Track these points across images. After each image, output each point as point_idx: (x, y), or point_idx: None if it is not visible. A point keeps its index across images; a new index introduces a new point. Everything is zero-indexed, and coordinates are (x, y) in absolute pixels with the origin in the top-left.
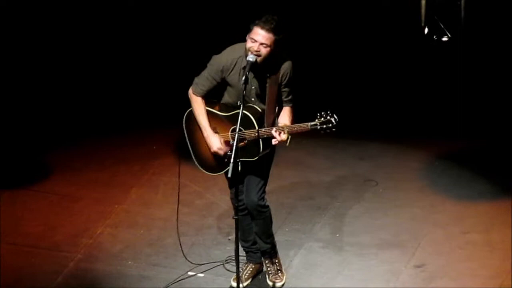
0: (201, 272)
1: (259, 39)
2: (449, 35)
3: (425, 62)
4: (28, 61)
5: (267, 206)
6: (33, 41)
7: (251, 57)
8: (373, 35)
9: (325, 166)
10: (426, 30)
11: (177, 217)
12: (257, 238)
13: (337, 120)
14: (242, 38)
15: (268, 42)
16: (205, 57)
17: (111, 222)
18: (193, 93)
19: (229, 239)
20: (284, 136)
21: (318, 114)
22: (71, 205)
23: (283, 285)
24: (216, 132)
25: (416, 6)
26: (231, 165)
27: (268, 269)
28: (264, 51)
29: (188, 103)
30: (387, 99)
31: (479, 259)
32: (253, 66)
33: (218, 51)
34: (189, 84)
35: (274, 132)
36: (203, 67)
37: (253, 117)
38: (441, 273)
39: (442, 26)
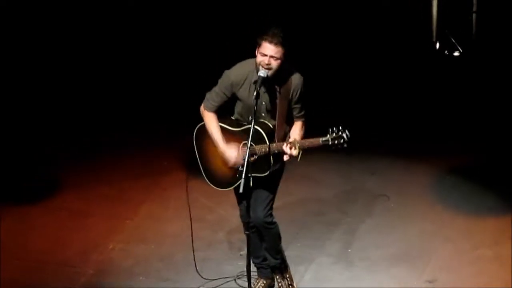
0: None
1: (269, 52)
2: (461, 50)
3: (436, 77)
4: (34, 71)
5: (274, 223)
6: (36, 45)
7: (262, 72)
8: (382, 50)
9: (335, 181)
10: (437, 45)
11: (192, 232)
12: (266, 254)
13: (349, 136)
14: (241, 38)
15: (278, 55)
16: (211, 64)
17: (122, 237)
18: (205, 109)
19: (240, 254)
20: (295, 152)
21: (330, 130)
22: (82, 220)
23: None
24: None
25: (427, 21)
26: (242, 180)
27: (279, 284)
28: (274, 64)
29: (198, 118)
30: (398, 113)
31: (489, 274)
32: (264, 81)
33: (222, 55)
34: (200, 99)
35: (285, 147)
36: (211, 77)
37: (264, 132)
38: None
39: (454, 41)
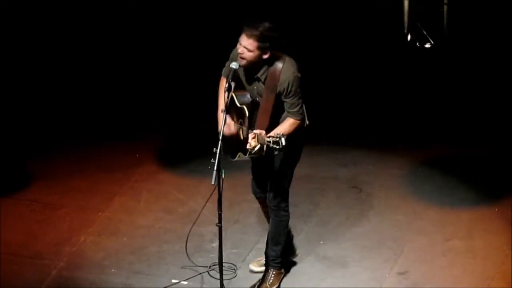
0: (185, 280)
1: (242, 42)
2: (432, 42)
3: (407, 69)
4: (10, 66)
5: (285, 210)
6: (18, 44)
7: (234, 64)
8: (353, 41)
9: (307, 173)
10: (409, 37)
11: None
12: (267, 241)
13: (284, 145)
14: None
15: (249, 47)
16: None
17: (93, 230)
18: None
19: (212, 247)
20: (252, 143)
21: (276, 133)
22: (54, 213)
23: None
24: (231, 117)
25: (399, 13)
26: (214, 172)
27: (262, 276)
28: (247, 55)
29: (172, 111)
30: (369, 105)
31: (461, 266)
32: (251, 70)
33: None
34: (170, 92)
35: (250, 135)
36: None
37: (249, 116)
38: (424, 280)
39: (425, 33)
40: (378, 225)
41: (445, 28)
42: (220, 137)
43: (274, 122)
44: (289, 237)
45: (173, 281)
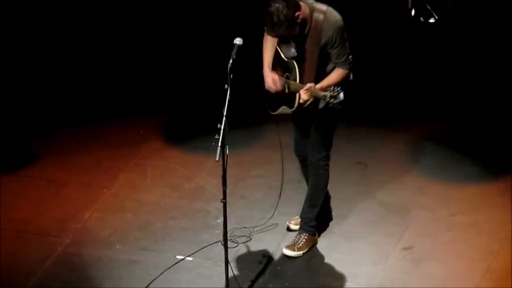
0: (190, 256)
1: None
2: (436, 17)
3: (411, 44)
4: (15, 50)
5: (325, 168)
6: (23, 35)
7: (238, 40)
8: (356, 17)
9: None
10: (413, 12)
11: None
12: (304, 203)
13: (343, 99)
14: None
15: (285, 34)
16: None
17: (99, 206)
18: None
19: (217, 223)
20: (305, 97)
21: (333, 88)
22: (59, 190)
23: (290, 256)
24: (276, 72)
25: None
26: (218, 148)
27: (293, 239)
28: (293, 33)
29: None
30: (373, 80)
31: (466, 241)
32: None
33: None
34: (175, 68)
35: (302, 90)
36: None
37: (299, 70)
38: (429, 255)
39: (429, 8)
40: (383, 200)
41: (450, 2)
42: (225, 113)
43: (320, 75)
44: (327, 198)
45: (178, 257)
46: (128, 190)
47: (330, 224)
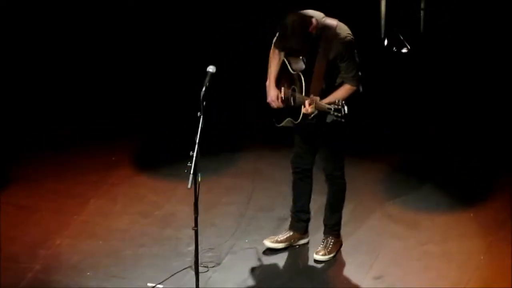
0: (160, 283)
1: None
2: (409, 47)
3: (384, 74)
4: None
5: (342, 178)
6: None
7: (211, 68)
8: None
9: (283, 177)
10: (385, 42)
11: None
12: (325, 210)
13: (346, 112)
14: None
15: (299, 48)
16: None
17: (69, 233)
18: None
19: (188, 250)
20: (309, 109)
21: (337, 100)
22: (29, 216)
23: (322, 261)
24: (281, 85)
25: (376, 18)
26: (190, 176)
27: (320, 244)
28: (304, 50)
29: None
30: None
31: (436, 270)
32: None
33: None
34: (146, 95)
35: (306, 101)
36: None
37: (305, 83)
38: (400, 284)
39: (402, 38)
40: (353, 229)
41: (422, 33)
42: (197, 141)
43: (328, 89)
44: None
45: (149, 284)
46: (98, 216)
47: (300, 252)
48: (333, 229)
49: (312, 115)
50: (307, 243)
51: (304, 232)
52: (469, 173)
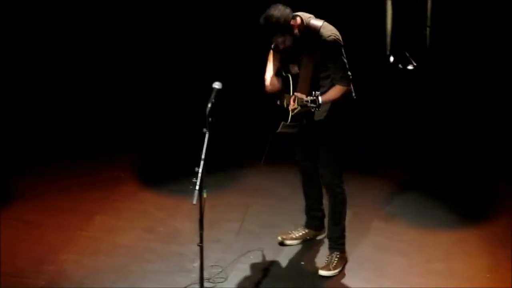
0: None
1: (273, 41)
2: (414, 64)
3: (389, 90)
4: None
5: (340, 187)
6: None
7: (216, 84)
8: None
9: (288, 194)
10: (391, 59)
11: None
12: (328, 223)
13: (320, 103)
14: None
15: (280, 40)
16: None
17: (74, 249)
18: None
19: (193, 266)
20: (292, 105)
21: (313, 92)
22: (34, 231)
23: (327, 276)
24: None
25: (381, 35)
26: (195, 192)
27: (325, 260)
28: (287, 43)
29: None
30: (352, 126)
31: None
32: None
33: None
34: (152, 110)
35: (291, 98)
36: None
37: (293, 84)
38: None
39: (407, 55)
40: (358, 246)
41: (428, 50)
42: (203, 157)
43: (315, 88)
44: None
45: None
46: (103, 232)
47: (306, 269)
48: (337, 243)
49: (295, 111)
50: (324, 238)
51: (320, 229)
52: (474, 190)
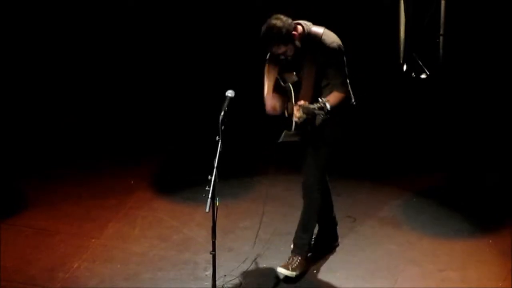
0: None
1: (275, 52)
2: (428, 72)
3: (402, 99)
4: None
5: (319, 193)
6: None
7: (229, 92)
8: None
9: (301, 202)
10: (404, 67)
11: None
12: (297, 229)
13: (329, 110)
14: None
15: (281, 51)
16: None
17: (87, 256)
18: None
19: (206, 275)
20: (297, 114)
21: (320, 99)
22: (47, 239)
23: (285, 276)
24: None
25: (394, 43)
26: (208, 200)
27: (287, 260)
28: (289, 53)
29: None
30: (363, 134)
31: None
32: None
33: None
34: (166, 118)
35: (294, 107)
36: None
37: (294, 92)
38: None
39: (421, 64)
40: (371, 254)
41: (441, 58)
42: (215, 165)
43: (318, 96)
44: (334, 223)
45: None
46: (116, 240)
47: (318, 277)
48: (302, 249)
49: (300, 119)
50: (337, 245)
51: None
52: (488, 198)
